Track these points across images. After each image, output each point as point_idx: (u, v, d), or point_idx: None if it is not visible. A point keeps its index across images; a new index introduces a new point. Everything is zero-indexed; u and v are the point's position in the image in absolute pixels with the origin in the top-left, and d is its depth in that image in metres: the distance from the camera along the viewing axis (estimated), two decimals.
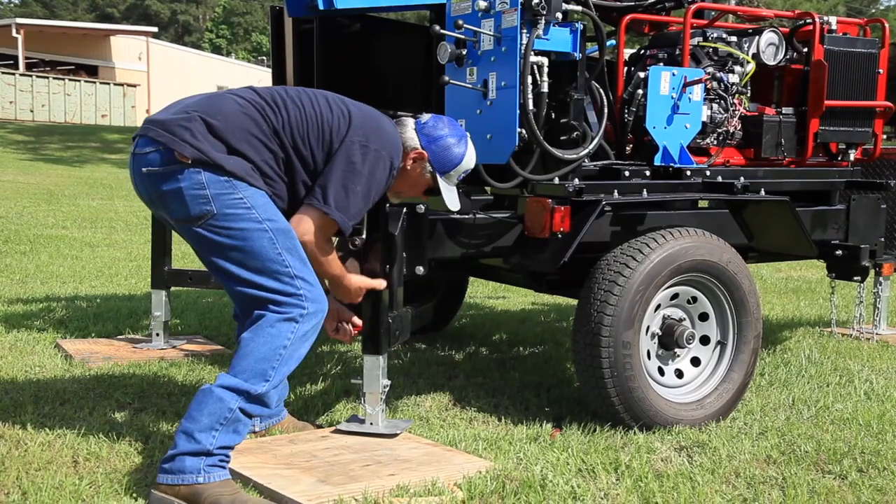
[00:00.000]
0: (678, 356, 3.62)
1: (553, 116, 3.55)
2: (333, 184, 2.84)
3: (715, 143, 4.02)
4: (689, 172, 3.75)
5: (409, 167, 3.07)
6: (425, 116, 3.14)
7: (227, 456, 2.70)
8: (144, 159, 2.76)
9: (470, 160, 3.14)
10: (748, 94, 4.13)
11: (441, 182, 3.12)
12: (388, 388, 3.24)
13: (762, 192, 3.88)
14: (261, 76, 37.14)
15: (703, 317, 3.65)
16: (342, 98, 3.01)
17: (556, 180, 3.50)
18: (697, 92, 3.78)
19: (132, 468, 2.93)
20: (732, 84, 3.98)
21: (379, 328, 3.16)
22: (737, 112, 4.02)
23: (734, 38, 4.10)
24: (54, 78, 29.78)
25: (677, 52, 3.91)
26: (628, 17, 3.96)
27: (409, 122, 3.12)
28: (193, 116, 2.75)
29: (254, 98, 2.86)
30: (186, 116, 2.75)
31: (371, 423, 3.21)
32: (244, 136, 2.77)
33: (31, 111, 28.44)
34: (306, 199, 2.89)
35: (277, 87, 2.96)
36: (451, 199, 3.16)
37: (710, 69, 3.94)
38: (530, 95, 3.33)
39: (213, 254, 2.78)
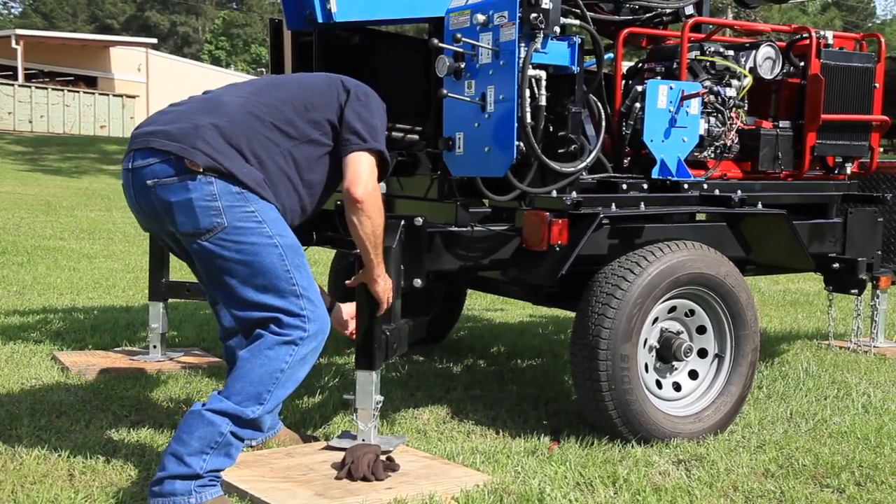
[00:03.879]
0: (676, 369, 3.62)
1: (551, 129, 3.55)
2: (359, 126, 2.84)
3: (712, 156, 4.03)
4: (686, 185, 3.76)
5: None
6: None
7: (218, 476, 2.66)
8: (149, 171, 2.64)
9: None
10: (745, 108, 4.14)
11: None
12: (380, 405, 3.16)
13: (759, 206, 3.89)
14: None
15: (701, 330, 3.65)
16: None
17: (554, 193, 3.50)
18: (695, 105, 3.79)
19: (128, 482, 2.92)
20: (730, 98, 3.99)
21: (372, 342, 3.09)
22: (734, 125, 4.03)
23: (731, 52, 4.12)
24: (53, 89, 29.82)
25: (675, 65, 3.92)
26: (626, 30, 3.97)
27: None
28: (202, 123, 2.65)
29: (250, 90, 2.86)
30: (193, 123, 2.65)
31: (363, 440, 3.11)
32: (253, 135, 2.70)
33: (30, 122, 28.47)
34: (343, 151, 2.84)
35: (263, 78, 3.01)
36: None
37: (708, 83, 3.95)
38: (528, 109, 3.33)
39: (219, 269, 2.66)
